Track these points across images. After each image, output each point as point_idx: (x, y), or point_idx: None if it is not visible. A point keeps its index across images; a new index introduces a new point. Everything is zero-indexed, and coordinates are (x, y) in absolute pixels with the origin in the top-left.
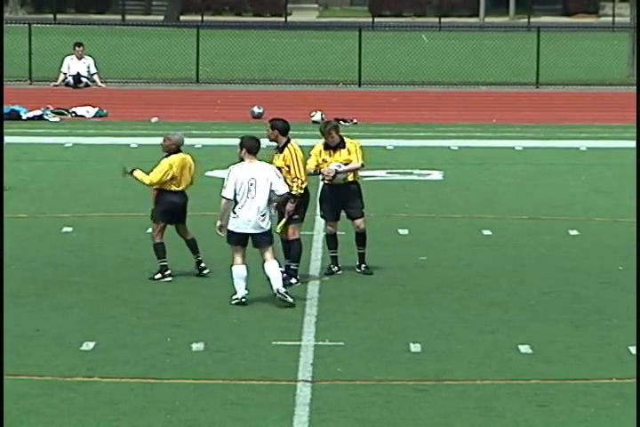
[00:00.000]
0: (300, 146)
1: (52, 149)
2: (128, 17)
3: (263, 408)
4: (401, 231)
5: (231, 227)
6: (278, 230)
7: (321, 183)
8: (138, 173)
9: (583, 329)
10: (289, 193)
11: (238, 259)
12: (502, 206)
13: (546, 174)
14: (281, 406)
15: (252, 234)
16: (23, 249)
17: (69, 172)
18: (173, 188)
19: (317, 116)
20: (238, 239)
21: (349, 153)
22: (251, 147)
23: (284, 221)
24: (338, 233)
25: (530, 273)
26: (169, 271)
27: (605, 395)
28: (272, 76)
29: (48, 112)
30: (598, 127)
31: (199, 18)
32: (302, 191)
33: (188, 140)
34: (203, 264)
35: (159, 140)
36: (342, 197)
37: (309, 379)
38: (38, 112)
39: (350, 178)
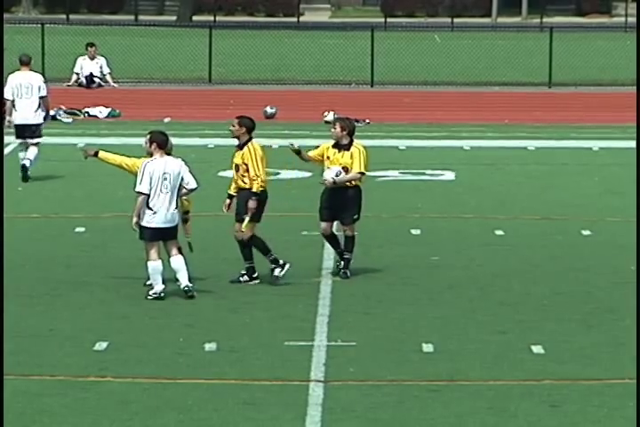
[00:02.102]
0: (261, 145)
1: (64, 149)
2: (141, 17)
3: (276, 408)
4: (413, 231)
5: (148, 223)
6: (244, 229)
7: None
8: (102, 154)
9: (596, 329)
10: (252, 192)
11: (154, 255)
12: (515, 207)
13: (558, 175)
14: (293, 406)
15: (166, 228)
16: (36, 249)
17: (82, 172)
18: None
19: (330, 117)
20: (155, 235)
21: (351, 157)
22: (161, 141)
23: (247, 219)
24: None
25: (542, 273)
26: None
27: (618, 395)
28: (285, 77)
29: (61, 112)
30: (611, 127)
31: (212, 18)
32: (262, 189)
33: (201, 141)
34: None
35: (172, 141)
36: (340, 200)
37: (322, 379)
38: (51, 112)
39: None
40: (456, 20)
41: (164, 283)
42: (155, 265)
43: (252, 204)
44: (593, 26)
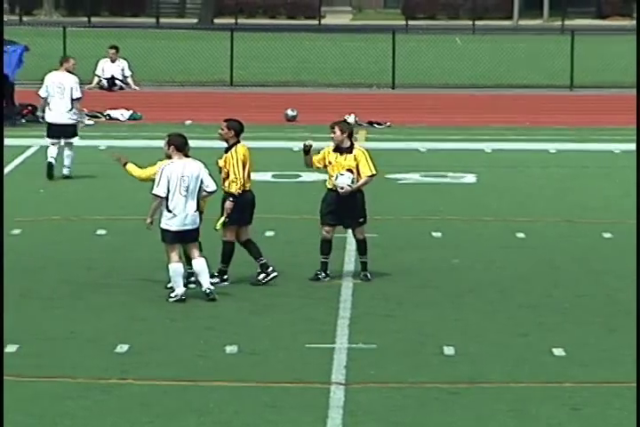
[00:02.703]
0: (247, 148)
1: (86, 151)
2: (162, 20)
3: (296, 411)
4: (434, 234)
5: (168, 226)
6: (218, 227)
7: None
8: (129, 167)
9: (617, 332)
10: (229, 193)
11: (175, 257)
12: (536, 209)
13: (580, 177)
14: (314, 409)
15: (186, 230)
16: (57, 251)
17: (103, 174)
18: None
19: (351, 119)
20: (176, 237)
21: (356, 160)
22: (179, 144)
23: (222, 218)
24: (371, 236)
25: (563, 276)
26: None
27: None
28: (306, 79)
29: (82, 115)
30: (632, 130)
31: (233, 20)
32: (241, 191)
33: (222, 144)
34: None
35: (193, 143)
36: (344, 205)
37: (343, 382)
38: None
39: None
40: (477, 22)
41: (185, 285)
42: (175, 267)
43: (228, 204)
44: (614, 28)
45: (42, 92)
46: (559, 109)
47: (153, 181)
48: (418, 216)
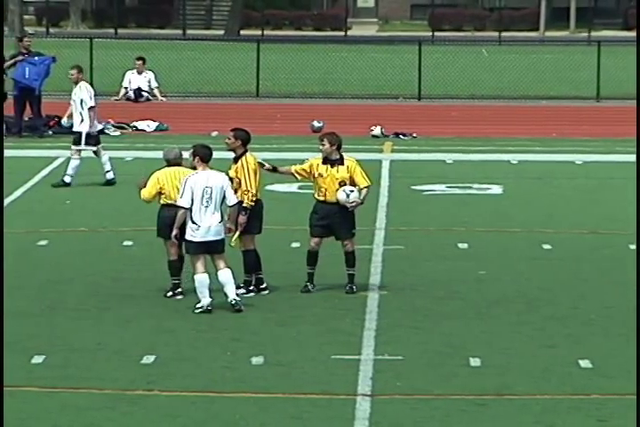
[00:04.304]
0: (255, 159)
1: (112, 163)
2: (189, 31)
3: (323, 422)
4: (460, 245)
5: (191, 237)
6: (232, 244)
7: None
8: (143, 191)
9: None
10: (240, 205)
11: (201, 267)
12: (562, 221)
13: (606, 188)
14: (340, 421)
15: (210, 241)
16: (84, 263)
17: (130, 185)
18: (162, 201)
19: (377, 131)
20: (199, 248)
21: (348, 171)
22: (203, 155)
23: (237, 234)
24: (397, 247)
25: (590, 287)
26: (180, 289)
27: None
28: (332, 90)
29: (109, 126)
30: None
31: (259, 32)
32: (253, 204)
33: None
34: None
35: (220, 155)
36: (334, 216)
37: (369, 393)
38: (99, 126)
39: None
40: (503, 33)
41: (211, 296)
42: (201, 278)
43: (241, 219)
44: None
45: (93, 102)
46: (585, 120)
47: (153, 195)
48: (444, 227)
